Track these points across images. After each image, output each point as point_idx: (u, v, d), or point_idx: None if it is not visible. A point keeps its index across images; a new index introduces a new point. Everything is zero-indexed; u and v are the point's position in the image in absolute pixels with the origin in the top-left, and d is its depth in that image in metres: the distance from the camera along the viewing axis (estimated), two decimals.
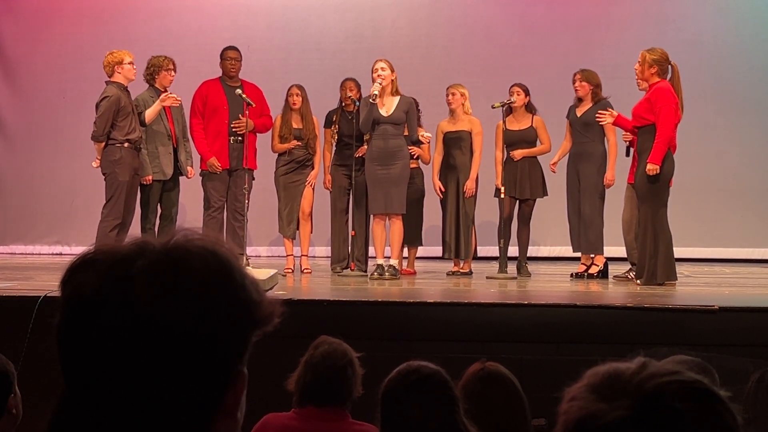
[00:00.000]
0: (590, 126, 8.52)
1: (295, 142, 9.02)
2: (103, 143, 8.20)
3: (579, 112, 8.64)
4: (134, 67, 8.37)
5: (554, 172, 8.81)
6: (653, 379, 1.08)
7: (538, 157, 8.88)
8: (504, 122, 8.70)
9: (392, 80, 8.33)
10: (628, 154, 8.36)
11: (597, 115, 8.20)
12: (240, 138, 8.80)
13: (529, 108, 8.92)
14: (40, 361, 3.32)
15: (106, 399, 1.12)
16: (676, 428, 1.06)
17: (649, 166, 7.52)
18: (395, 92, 8.36)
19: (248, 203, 8.72)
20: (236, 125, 8.72)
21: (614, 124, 8.10)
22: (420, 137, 8.51)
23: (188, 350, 1.12)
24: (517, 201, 8.82)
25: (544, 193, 8.85)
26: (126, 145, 8.17)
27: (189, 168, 8.82)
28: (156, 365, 1.11)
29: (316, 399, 3.38)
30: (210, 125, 8.84)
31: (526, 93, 8.88)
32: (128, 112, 8.20)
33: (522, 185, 8.73)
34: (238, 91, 8.74)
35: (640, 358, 1.12)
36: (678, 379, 1.09)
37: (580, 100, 8.67)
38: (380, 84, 8.23)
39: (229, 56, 9.00)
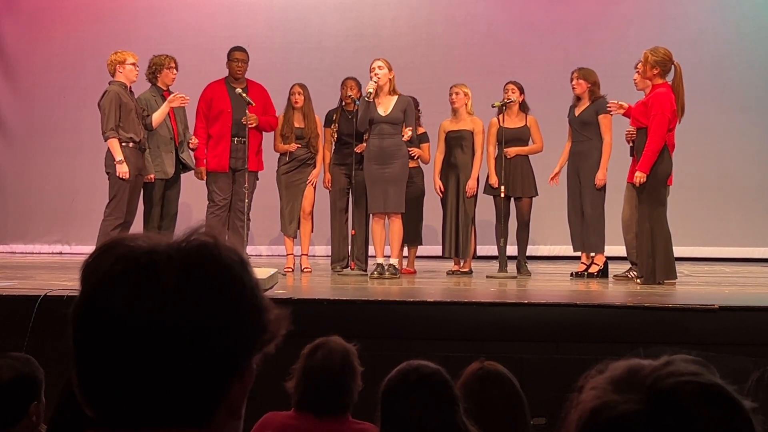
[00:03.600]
0: (588, 125, 8.52)
1: (296, 145, 9.01)
2: (116, 138, 8.08)
3: (577, 111, 8.64)
4: (137, 68, 8.34)
5: (557, 183, 8.77)
6: (671, 378, 1.09)
7: (530, 157, 8.88)
8: (499, 119, 8.71)
9: (390, 79, 8.32)
10: (632, 155, 8.32)
11: (608, 104, 8.19)
12: (243, 140, 8.80)
13: (523, 107, 8.91)
14: (40, 360, 3.32)
15: (113, 380, 1.14)
16: (686, 428, 1.06)
17: (637, 174, 7.55)
18: (393, 91, 8.36)
19: (248, 203, 8.72)
20: (245, 120, 8.69)
21: (625, 114, 8.07)
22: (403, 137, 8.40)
23: (202, 336, 1.14)
24: (511, 199, 8.82)
25: (536, 192, 8.85)
26: (131, 144, 8.15)
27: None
28: (167, 347, 1.13)
29: (315, 409, 3.35)
30: (214, 128, 8.85)
31: (521, 91, 8.87)
32: (130, 109, 8.17)
33: (513, 183, 8.72)
34: (238, 90, 8.74)
35: (665, 357, 1.13)
36: (697, 380, 1.09)
37: (578, 99, 8.67)
38: (375, 82, 8.23)
39: (236, 57, 8.98)
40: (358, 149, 8.74)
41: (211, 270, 1.16)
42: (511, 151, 8.70)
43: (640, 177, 7.53)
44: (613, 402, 1.08)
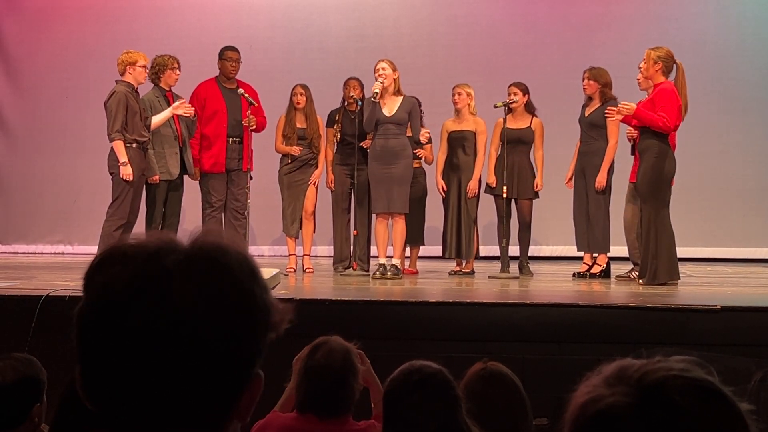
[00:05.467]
0: (596, 127, 8.47)
1: (298, 148, 8.99)
2: (121, 141, 8.07)
3: (587, 112, 8.59)
4: (146, 70, 8.35)
5: (570, 186, 8.74)
6: (659, 372, 1.10)
7: (531, 158, 8.86)
8: (505, 120, 8.69)
9: (394, 80, 8.33)
10: (633, 153, 8.31)
11: (606, 111, 8.13)
12: (239, 139, 8.80)
13: (529, 107, 8.89)
14: (42, 360, 3.32)
15: (123, 391, 1.12)
16: (675, 422, 1.06)
17: (626, 109, 7.54)
18: (397, 92, 8.36)
19: (249, 202, 8.73)
20: (247, 122, 8.68)
21: (623, 121, 8.01)
22: (421, 137, 8.55)
23: (215, 347, 1.12)
24: (512, 200, 8.81)
25: (534, 194, 8.83)
26: (134, 145, 8.15)
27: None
28: (182, 361, 1.11)
29: (317, 410, 3.35)
30: (208, 128, 8.82)
31: (524, 92, 8.84)
32: (135, 112, 8.17)
33: (511, 184, 8.69)
34: (241, 90, 8.74)
35: (658, 356, 1.13)
36: (686, 375, 1.10)
37: (590, 99, 8.62)
38: (381, 83, 8.23)
39: (231, 57, 8.95)
40: (364, 144, 8.72)
41: (221, 276, 1.14)
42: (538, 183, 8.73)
43: (625, 112, 7.55)
44: (602, 395, 1.09)
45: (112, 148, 8.15)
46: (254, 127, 8.75)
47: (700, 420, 1.06)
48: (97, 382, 1.14)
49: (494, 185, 8.73)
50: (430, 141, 8.90)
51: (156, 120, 8.36)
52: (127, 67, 8.26)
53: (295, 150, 8.98)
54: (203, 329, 1.11)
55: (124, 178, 8.05)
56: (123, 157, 8.04)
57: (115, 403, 1.13)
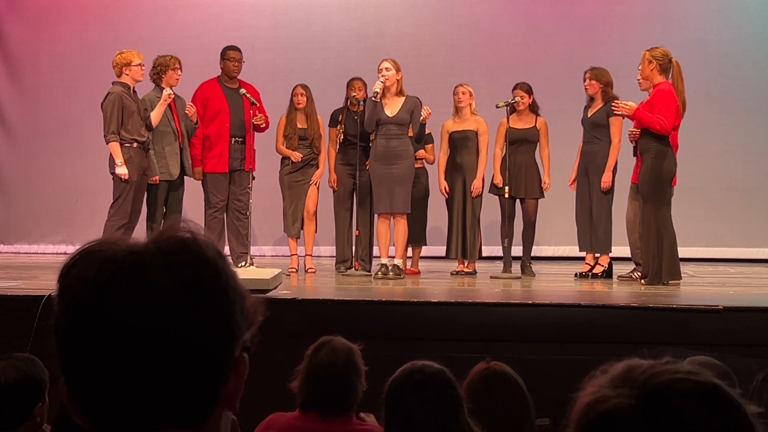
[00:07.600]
0: (599, 126, 8.46)
1: (297, 155, 8.97)
2: (117, 142, 8.08)
3: (590, 113, 8.59)
4: (143, 68, 8.35)
5: (574, 189, 8.73)
6: (665, 375, 1.09)
7: (537, 158, 8.86)
8: (508, 120, 8.68)
9: (397, 80, 8.33)
10: (635, 154, 8.29)
11: (613, 104, 8.06)
12: (241, 139, 8.80)
13: (533, 108, 8.89)
14: (44, 360, 3.32)
15: (112, 387, 1.12)
16: (679, 425, 1.05)
17: (626, 110, 7.53)
18: (400, 92, 8.35)
19: (251, 202, 8.73)
20: (257, 121, 8.68)
21: (629, 116, 7.96)
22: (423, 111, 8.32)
23: (196, 328, 1.13)
24: (517, 200, 8.81)
25: (541, 194, 8.82)
26: (135, 145, 8.16)
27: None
28: (165, 346, 1.11)
29: (320, 408, 3.35)
30: (210, 128, 8.80)
31: (529, 93, 8.84)
32: (132, 111, 8.17)
33: (518, 184, 8.70)
34: (243, 90, 8.73)
35: (667, 357, 1.13)
36: (692, 378, 1.09)
37: (592, 99, 8.61)
38: (382, 82, 8.23)
39: (233, 57, 8.94)
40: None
41: (197, 265, 1.15)
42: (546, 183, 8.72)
43: (628, 109, 7.54)
44: (606, 396, 1.09)
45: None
46: (263, 124, 8.75)
47: (704, 423, 1.05)
48: (83, 389, 1.14)
49: (500, 185, 8.73)
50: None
51: (154, 117, 8.34)
52: (123, 68, 8.26)
53: (296, 157, 8.96)
54: (182, 310, 1.12)
55: (121, 178, 8.07)
56: (119, 158, 8.06)
57: (107, 407, 1.12)
